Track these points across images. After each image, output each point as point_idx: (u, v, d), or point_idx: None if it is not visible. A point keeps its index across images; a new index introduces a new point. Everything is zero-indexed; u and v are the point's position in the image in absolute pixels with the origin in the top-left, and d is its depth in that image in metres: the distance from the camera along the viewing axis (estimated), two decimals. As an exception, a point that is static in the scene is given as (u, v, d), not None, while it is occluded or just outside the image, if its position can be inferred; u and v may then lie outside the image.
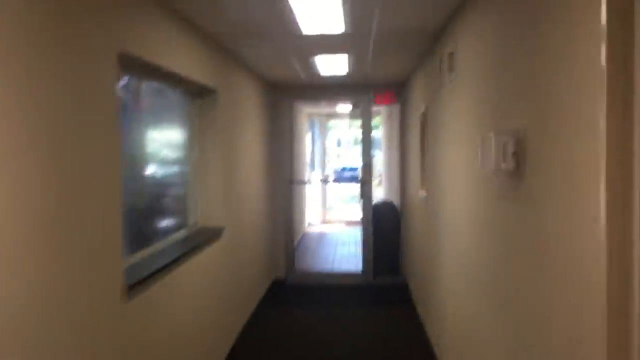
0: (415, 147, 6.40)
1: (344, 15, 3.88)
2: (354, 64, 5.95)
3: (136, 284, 2.92)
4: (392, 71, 6.59)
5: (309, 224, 12.90)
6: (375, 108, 8.60)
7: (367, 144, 7.80)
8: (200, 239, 4.21)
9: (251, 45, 4.89)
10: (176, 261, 3.60)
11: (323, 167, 15.47)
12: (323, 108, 12.13)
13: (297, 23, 4.03)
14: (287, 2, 3.51)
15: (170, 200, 4.43)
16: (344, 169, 21.56)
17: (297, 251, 9.24)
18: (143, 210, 3.87)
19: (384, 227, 7.89)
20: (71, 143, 2.26)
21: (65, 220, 2.21)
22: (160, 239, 3.94)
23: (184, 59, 3.84)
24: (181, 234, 4.31)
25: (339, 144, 25.09)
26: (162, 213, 4.27)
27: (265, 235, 7.17)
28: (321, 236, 11.85)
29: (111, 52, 2.66)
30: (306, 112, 12.30)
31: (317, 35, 4.46)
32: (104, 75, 2.58)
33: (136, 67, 3.28)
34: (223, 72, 4.85)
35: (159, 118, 4.17)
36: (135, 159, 3.70)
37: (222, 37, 4.51)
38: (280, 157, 7.74)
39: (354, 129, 21.54)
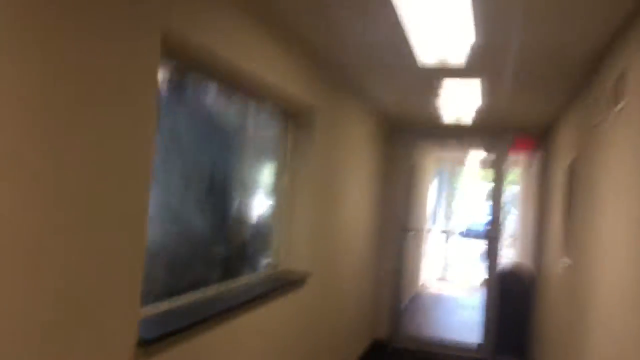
0: (558, 205, 5.25)
1: (477, 34, 3.03)
2: (488, 99, 4.99)
3: (160, 339, 2.20)
4: (533, 111, 5.52)
5: (425, 282, 11.74)
6: (511, 159, 7.48)
7: (498, 196, 6.69)
8: (276, 284, 3.46)
9: (363, 66, 4.17)
10: (233, 310, 2.86)
11: (447, 221, 14.26)
12: (451, 154, 11.08)
13: (415, 50, 3.24)
14: (405, 25, 2.73)
15: (248, 233, 3.74)
16: (470, 225, 20.00)
17: (407, 311, 8.20)
18: (208, 242, 3.21)
19: (512, 296, 6.68)
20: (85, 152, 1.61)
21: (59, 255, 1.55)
22: (224, 280, 3.25)
23: (276, 66, 3.18)
24: (255, 276, 3.59)
25: (467, 196, 23.54)
26: (234, 248, 3.59)
27: (366, 288, 6.27)
28: (437, 296, 10.67)
29: (152, 31, 2.04)
30: (432, 157, 11.34)
31: (440, 64, 3.63)
32: (142, 63, 1.95)
33: (205, 66, 2.67)
34: (325, 90, 4.15)
35: (238, 135, 3.54)
36: (203, 181, 3.08)
37: (326, 50, 3.83)
38: (395, 201, 6.87)
39: (485, 180, 20.04)
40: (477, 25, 3.06)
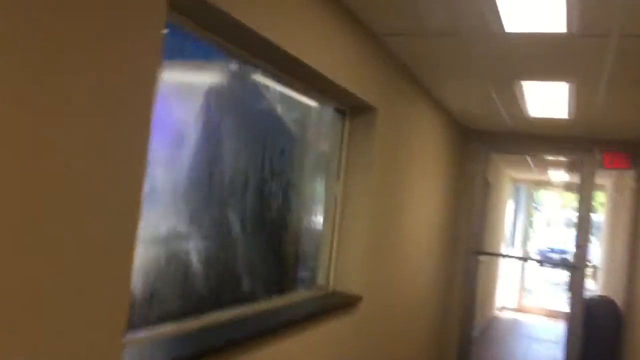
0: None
1: (569, 22, 2.47)
2: (577, 102, 4.34)
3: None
4: (630, 121, 4.79)
5: (499, 310, 10.87)
6: (598, 179, 6.67)
7: (584, 221, 5.90)
8: (321, 307, 2.99)
9: (432, 63, 3.67)
10: (274, 331, 2.42)
11: (524, 244, 13.27)
12: (531, 174, 10.24)
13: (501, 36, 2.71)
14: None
15: (294, 247, 3.29)
16: (550, 250, 18.70)
17: (478, 342, 7.47)
18: (249, 254, 2.80)
19: (597, 331, 5.90)
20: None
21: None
22: (266, 297, 2.83)
23: (330, 54, 2.74)
24: (299, 296, 3.13)
25: (546, 220, 22.13)
26: (279, 262, 3.15)
27: (431, 316, 5.65)
28: (513, 325, 9.81)
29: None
30: (510, 176, 10.54)
31: (525, 37, 3.07)
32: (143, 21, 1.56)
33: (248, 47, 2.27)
34: (388, 86, 3.66)
35: (287, 136, 3.12)
36: (243, 183, 2.69)
37: (389, 38, 3.36)
38: (467, 220, 6.23)
39: (568, 203, 18.73)
40: (569, 12, 2.49)
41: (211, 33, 2.18)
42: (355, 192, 3.47)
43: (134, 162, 1.55)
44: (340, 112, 3.46)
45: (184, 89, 2.46)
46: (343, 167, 3.48)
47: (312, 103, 3.22)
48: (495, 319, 10.14)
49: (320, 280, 3.42)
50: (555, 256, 17.61)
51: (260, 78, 2.80)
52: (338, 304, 3.20)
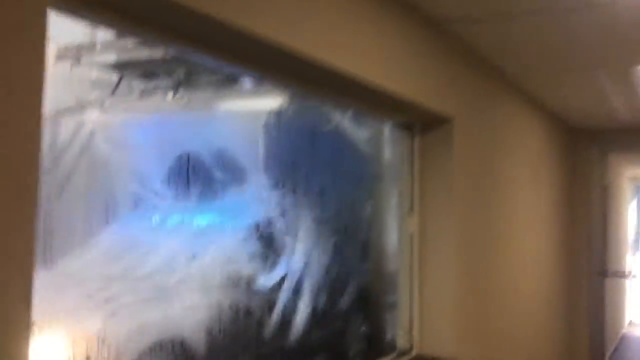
0: None
1: None
2: None
3: None
4: None
5: (630, 324, 9.46)
6: None
7: None
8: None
9: (520, 52, 2.88)
10: None
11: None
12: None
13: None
14: None
15: (360, 298, 2.63)
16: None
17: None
18: (293, 313, 2.19)
19: None
20: None
21: None
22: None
23: (378, 56, 2.07)
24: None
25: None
26: (341, 319, 2.49)
27: (551, 352, 4.70)
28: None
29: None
30: (628, 175, 9.20)
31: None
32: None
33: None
34: (465, 88, 2.91)
35: (343, 158, 2.49)
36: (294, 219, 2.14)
37: (459, 26, 2.63)
38: (586, 235, 5.22)
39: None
40: None
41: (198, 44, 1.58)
42: (435, 226, 2.73)
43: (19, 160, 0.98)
44: (407, 128, 2.76)
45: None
46: (416, 196, 2.75)
47: (369, 119, 2.57)
48: (625, 337, 8.78)
49: (401, 341, 2.71)
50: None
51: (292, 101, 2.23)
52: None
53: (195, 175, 3.36)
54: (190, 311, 2.67)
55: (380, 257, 2.78)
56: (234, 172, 3.22)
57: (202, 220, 3.33)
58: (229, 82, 3.24)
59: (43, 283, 1.14)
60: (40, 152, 1.05)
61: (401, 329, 2.71)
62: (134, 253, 3.25)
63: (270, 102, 3.01)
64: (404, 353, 2.69)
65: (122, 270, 3.10)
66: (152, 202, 3.49)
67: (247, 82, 3.06)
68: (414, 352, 2.71)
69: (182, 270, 2.98)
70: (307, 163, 2.60)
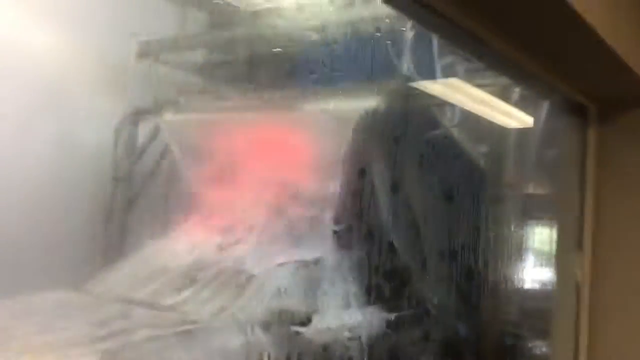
0: None
1: None
2: None
3: None
4: None
5: None
6: None
7: None
8: None
9: None
10: None
11: None
12: None
13: None
14: None
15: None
16: None
17: None
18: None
19: None
20: None
21: None
22: None
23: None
24: None
25: None
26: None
27: None
28: None
29: None
30: None
31: None
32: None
33: None
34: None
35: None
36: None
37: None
38: None
39: None
40: None
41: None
42: (621, 271, 1.70)
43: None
44: (575, 111, 1.77)
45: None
46: (589, 223, 1.75)
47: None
48: None
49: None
50: None
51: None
52: None
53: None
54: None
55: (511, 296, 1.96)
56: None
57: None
58: (318, 82, 2.87)
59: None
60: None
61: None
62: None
63: (364, 102, 2.66)
64: None
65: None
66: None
67: (338, 81, 2.74)
68: None
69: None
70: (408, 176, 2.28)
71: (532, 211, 2.17)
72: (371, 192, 2.31)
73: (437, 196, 2.20)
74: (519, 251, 2.09)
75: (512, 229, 2.17)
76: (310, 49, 2.60)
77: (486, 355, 2.23)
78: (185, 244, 2.94)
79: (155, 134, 3.49)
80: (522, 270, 2.15)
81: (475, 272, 2.04)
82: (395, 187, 2.20)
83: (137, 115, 3.49)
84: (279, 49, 2.89)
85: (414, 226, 2.35)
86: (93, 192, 3.12)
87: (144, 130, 3.49)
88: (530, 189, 2.21)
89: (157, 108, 3.47)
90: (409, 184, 2.28)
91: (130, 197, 3.35)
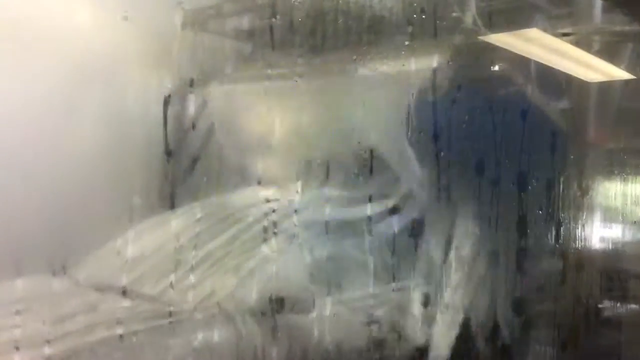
0: None
1: None
2: None
3: None
4: None
5: None
6: None
7: None
8: None
9: None
10: None
11: None
12: None
13: None
14: None
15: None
16: None
17: None
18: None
19: None
20: None
21: None
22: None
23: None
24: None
25: None
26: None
27: None
28: None
29: None
30: None
31: None
32: None
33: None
34: None
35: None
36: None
37: None
38: None
39: None
40: None
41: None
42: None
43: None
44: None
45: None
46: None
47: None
48: None
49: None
50: None
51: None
52: None
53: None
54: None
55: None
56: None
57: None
58: (371, 41, 2.73)
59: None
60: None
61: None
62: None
63: (426, 61, 2.44)
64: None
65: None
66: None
67: (393, 40, 2.57)
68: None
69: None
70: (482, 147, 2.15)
71: (621, 166, 1.98)
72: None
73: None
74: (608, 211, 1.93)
75: (597, 187, 1.99)
76: (364, 7, 2.43)
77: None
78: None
79: (203, 106, 3.40)
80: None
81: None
82: (465, 153, 2.06)
83: (184, 88, 3.40)
84: (330, 10, 2.73)
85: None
86: (145, 168, 3.04)
87: (192, 103, 3.40)
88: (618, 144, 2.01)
89: (204, 79, 3.36)
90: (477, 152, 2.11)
91: (182, 172, 3.27)
